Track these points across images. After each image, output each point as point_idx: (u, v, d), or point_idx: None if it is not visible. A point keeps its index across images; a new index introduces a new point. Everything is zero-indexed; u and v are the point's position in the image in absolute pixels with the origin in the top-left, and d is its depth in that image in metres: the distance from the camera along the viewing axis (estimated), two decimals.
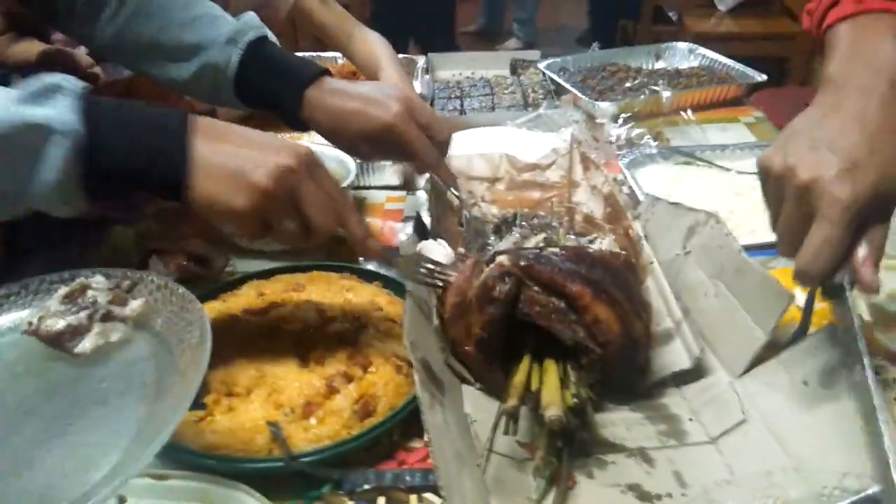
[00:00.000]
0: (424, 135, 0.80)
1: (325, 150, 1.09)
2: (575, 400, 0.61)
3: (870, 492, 0.52)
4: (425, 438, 0.67)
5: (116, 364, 0.59)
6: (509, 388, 0.61)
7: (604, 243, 0.78)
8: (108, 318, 0.60)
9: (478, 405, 0.68)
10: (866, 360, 0.59)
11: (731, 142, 1.20)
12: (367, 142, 0.79)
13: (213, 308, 0.77)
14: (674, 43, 1.59)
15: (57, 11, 0.85)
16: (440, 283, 0.70)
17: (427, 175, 1.00)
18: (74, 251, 0.94)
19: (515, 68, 1.55)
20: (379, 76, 1.05)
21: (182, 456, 0.62)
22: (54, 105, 0.55)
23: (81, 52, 1.25)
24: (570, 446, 0.61)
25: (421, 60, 1.53)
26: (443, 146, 0.84)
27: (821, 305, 0.74)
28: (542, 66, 1.49)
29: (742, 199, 1.01)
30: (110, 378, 0.57)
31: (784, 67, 3.12)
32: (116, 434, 0.51)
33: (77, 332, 0.58)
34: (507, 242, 0.79)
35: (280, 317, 0.73)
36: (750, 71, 1.43)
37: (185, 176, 0.59)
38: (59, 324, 0.58)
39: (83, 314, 0.59)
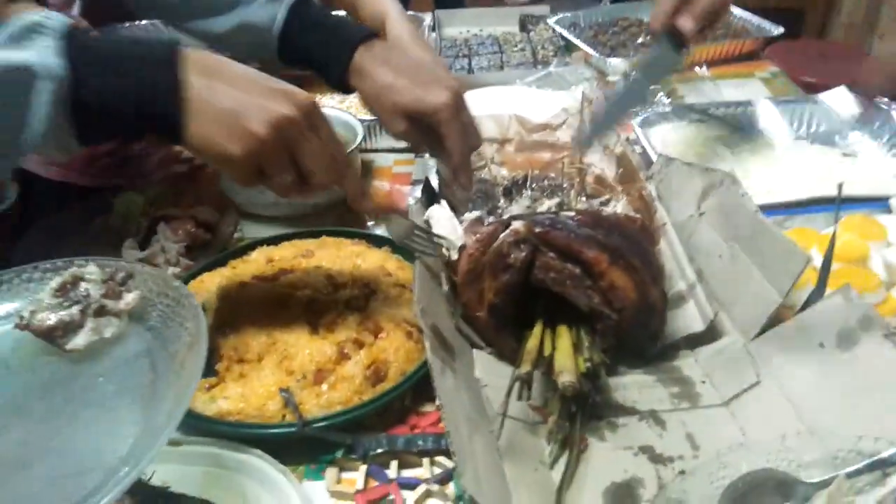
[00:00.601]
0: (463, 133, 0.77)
1: (332, 112, 1.07)
2: (588, 365, 0.60)
3: (885, 454, 0.52)
4: (437, 403, 0.67)
5: (111, 361, 0.56)
6: (522, 354, 0.61)
7: (618, 206, 0.77)
8: (101, 312, 0.58)
9: (488, 369, 0.68)
10: (884, 325, 0.59)
11: (746, 98, 1.17)
12: (407, 120, 0.75)
13: (223, 274, 0.76)
14: None
15: None
16: (430, 252, 0.69)
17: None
18: (83, 217, 0.93)
19: (525, 24, 1.52)
20: (386, 33, 1.02)
21: (195, 422, 0.62)
22: (36, 46, 0.53)
23: (77, 17, 1.23)
24: (582, 410, 0.61)
25: (427, 18, 1.49)
26: (472, 151, 0.81)
27: (837, 266, 0.73)
28: (551, 21, 1.46)
29: (757, 157, 0.99)
30: (105, 375, 0.55)
31: (799, 19, 3.04)
32: (113, 437, 0.48)
33: (70, 327, 0.56)
34: (519, 206, 0.78)
35: (290, 283, 0.73)
36: (766, 24, 1.39)
37: (178, 114, 0.56)
38: (52, 318, 0.56)
39: (76, 309, 0.57)
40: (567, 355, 0.60)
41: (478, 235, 0.66)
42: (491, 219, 0.75)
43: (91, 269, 0.60)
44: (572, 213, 0.69)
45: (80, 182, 1.00)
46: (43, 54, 0.52)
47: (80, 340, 0.56)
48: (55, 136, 0.54)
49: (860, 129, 1.07)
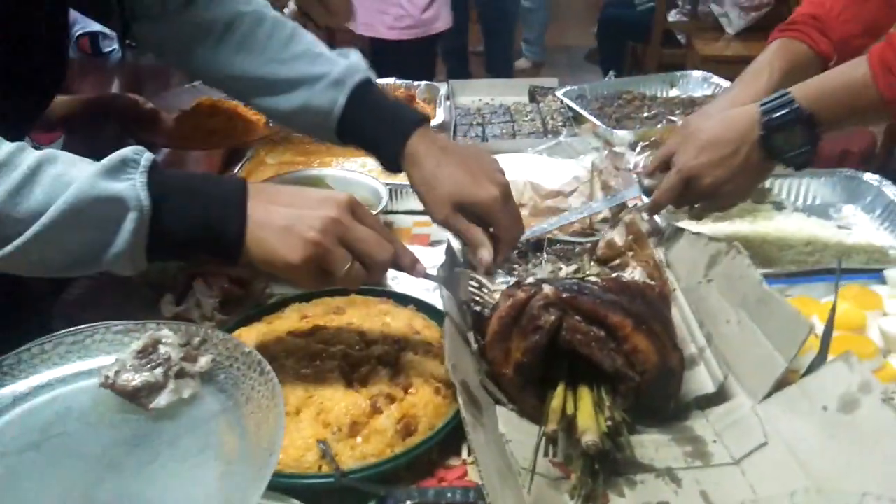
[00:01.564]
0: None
1: (357, 177, 1.14)
2: (609, 423, 0.64)
3: None
4: (464, 457, 0.71)
5: (188, 420, 0.61)
6: (548, 413, 0.65)
7: (636, 273, 0.82)
8: (180, 374, 0.62)
9: (511, 425, 0.72)
10: (882, 390, 0.64)
11: None
12: (455, 207, 0.81)
13: (259, 330, 0.81)
14: (688, 71, 1.64)
15: (155, 41, 0.90)
16: (488, 300, 0.74)
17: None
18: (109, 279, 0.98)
19: (534, 95, 1.60)
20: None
21: None
22: (130, 180, 0.61)
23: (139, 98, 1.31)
24: (604, 467, 0.65)
25: (443, 88, 1.58)
26: (517, 240, 0.87)
27: (837, 334, 0.78)
28: (559, 93, 1.54)
29: (758, 228, 1.05)
30: (184, 434, 0.59)
31: None
32: (198, 494, 0.53)
33: (154, 388, 0.61)
34: (541, 271, 0.83)
35: (324, 339, 0.77)
36: (764, 98, 1.47)
37: (243, 240, 0.64)
38: (137, 380, 0.61)
39: (159, 371, 0.61)
40: (589, 415, 0.64)
41: (511, 300, 0.71)
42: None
43: (167, 333, 0.65)
44: (596, 279, 0.74)
45: None
46: (134, 187, 0.61)
47: (162, 400, 0.61)
48: (131, 257, 0.62)
49: (853, 203, 1.14)
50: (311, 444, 0.66)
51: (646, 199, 0.98)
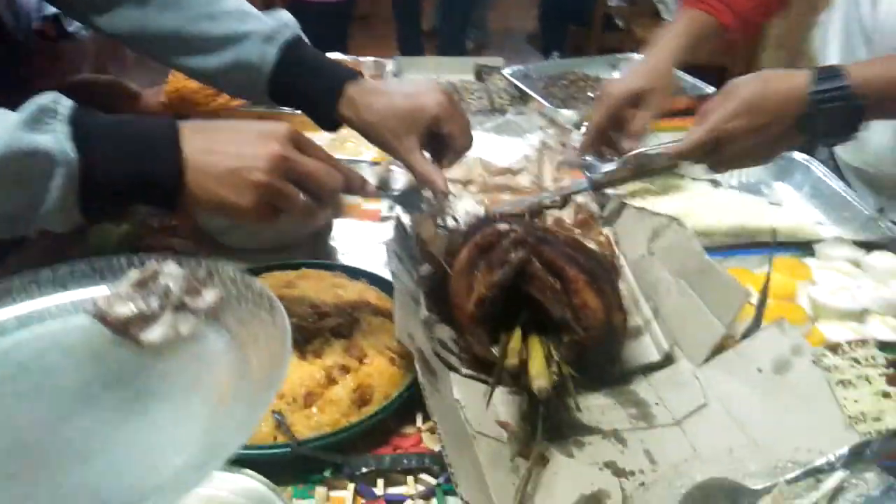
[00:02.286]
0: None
1: None
2: (556, 377, 0.66)
3: (817, 463, 0.60)
4: (418, 424, 0.72)
5: (185, 359, 0.55)
6: (507, 350, 0.68)
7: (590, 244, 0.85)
8: (180, 308, 0.57)
9: (465, 392, 0.73)
10: (811, 352, 0.68)
11: None
12: (409, 132, 0.82)
13: None
14: (629, 54, 1.68)
15: (79, 5, 0.86)
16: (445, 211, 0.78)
17: (402, 179, 1.05)
18: (56, 250, 0.95)
19: (480, 74, 1.61)
20: None
21: None
22: (52, 131, 0.58)
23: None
24: (544, 420, 0.67)
25: (390, 63, 1.57)
26: (461, 154, 0.88)
27: (770, 302, 0.82)
28: (506, 72, 1.56)
29: (694, 202, 1.10)
30: (178, 373, 0.54)
31: (723, 75, 3.29)
32: (179, 437, 0.48)
33: (146, 319, 0.55)
34: None
35: None
36: (700, 83, 1.53)
37: (181, 185, 0.62)
38: (129, 308, 0.55)
39: (154, 301, 0.56)
40: (541, 364, 0.67)
41: (486, 230, 0.73)
42: None
43: (170, 267, 0.59)
44: (561, 234, 0.76)
45: None
46: (58, 140, 0.58)
47: (155, 334, 0.55)
48: (64, 213, 0.60)
49: (784, 181, 1.20)
50: (265, 416, 0.66)
51: (592, 193, 1.01)
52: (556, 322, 0.71)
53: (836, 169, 1.23)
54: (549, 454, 0.68)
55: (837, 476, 0.59)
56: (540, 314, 0.72)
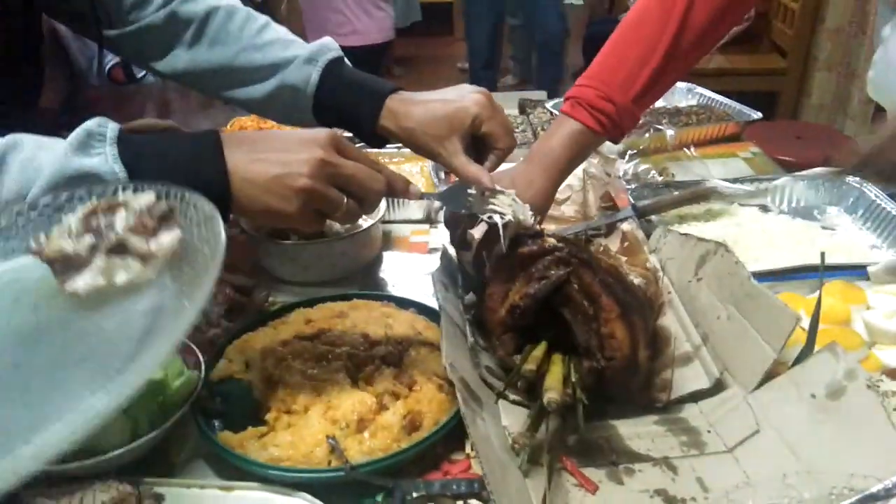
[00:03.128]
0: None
1: None
2: (568, 398, 0.68)
3: (874, 489, 0.58)
4: (467, 451, 0.73)
5: (114, 316, 0.44)
6: (528, 357, 0.70)
7: (632, 277, 0.85)
8: (119, 250, 0.45)
9: (512, 418, 0.74)
10: (866, 377, 0.67)
11: (730, 175, 1.27)
12: (450, 134, 0.83)
13: (266, 334, 0.83)
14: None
15: (132, 47, 0.92)
16: (497, 209, 0.77)
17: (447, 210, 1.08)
18: None
19: (524, 108, 1.64)
20: None
21: (248, 468, 0.68)
22: (100, 153, 0.62)
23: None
24: (554, 433, 0.69)
25: None
26: (505, 154, 0.89)
27: (823, 327, 0.81)
28: (549, 105, 1.58)
29: (743, 229, 1.09)
30: (98, 335, 0.43)
31: (773, 101, 3.25)
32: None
33: (71, 263, 0.44)
34: None
35: (329, 341, 0.80)
36: (746, 109, 1.52)
37: (228, 192, 0.64)
38: (58, 248, 0.45)
39: (87, 238, 0.45)
40: (557, 379, 0.68)
41: (534, 245, 0.75)
42: None
43: (146, 197, 0.48)
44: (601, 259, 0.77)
45: None
46: (106, 161, 0.62)
47: (80, 283, 0.44)
48: None
49: (836, 205, 1.18)
50: (320, 441, 0.69)
51: (635, 221, 1.01)
52: (581, 347, 0.72)
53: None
54: (601, 482, 0.68)
55: (894, 503, 0.57)
56: (568, 336, 0.73)
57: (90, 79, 1.26)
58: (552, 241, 0.76)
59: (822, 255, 0.82)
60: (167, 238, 0.47)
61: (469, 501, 0.67)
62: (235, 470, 0.69)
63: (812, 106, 3.22)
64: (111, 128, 0.64)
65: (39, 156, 0.61)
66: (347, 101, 0.88)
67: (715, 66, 3.33)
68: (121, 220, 0.47)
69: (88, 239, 0.46)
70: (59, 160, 0.61)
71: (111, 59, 1.25)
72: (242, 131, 0.69)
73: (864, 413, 0.66)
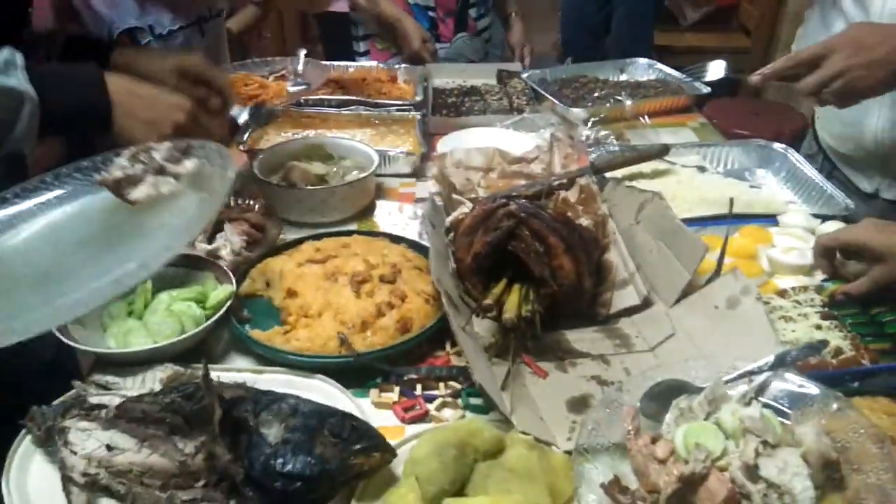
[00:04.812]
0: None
1: (352, 144, 1.33)
2: (528, 313, 0.87)
3: (749, 367, 0.79)
4: (447, 349, 0.93)
5: (164, 214, 0.76)
6: (488, 294, 0.90)
7: (583, 221, 1.04)
8: (161, 171, 0.74)
9: (482, 326, 0.94)
10: (756, 292, 0.87)
11: (680, 142, 1.46)
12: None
13: (283, 259, 1.01)
14: (636, 59, 1.86)
15: None
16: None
17: (436, 164, 1.26)
18: None
19: (501, 78, 1.81)
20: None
21: (274, 356, 0.87)
22: (16, 76, 0.81)
23: None
24: (517, 341, 0.89)
25: (418, 70, 1.78)
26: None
27: (734, 260, 1.01)
28: (524, 76, 1.76)
29: (682, 185, 1.28)
30: (153, 219, 0.76)
31: (738, 79, 3.44)
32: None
33: (131, 180, 0.73)
34: None
35: (336, 265, 0.98)
36: (697, 84, 1.70)
37: (110, 120, 0.86)
38: (118, 172, 0.74)
39: (139, 166, 0.75)
40: (514, 303, 0.88)
41: (484, 206, 0.94)
42: None
43: (165, 145, 0.78)
44: (551, 210, 0.96)
45: None
46: (22, 82, 0.81)
47: (139, 193, 0.74)
48: (28, 139, 0.83)
49: (764, 168, 1.38)
50: (332, 336, 0.87)
51: (594, 177, 1.19)
52: (537, 277, 0.91)
53: (826, 158, 1.39)
54: (550, 371, 0.88)
55: (763, 376, 0.78)
56: (527, 272, 0.92)
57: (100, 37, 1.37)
58: (501, 201, 0.95)
59: (731, 200, 1.02)
60: (190, 163, 0.77)
61: (449, 382, 0.87)
62: (263, 361, 0.88)
63: (773, 84, 3.42)
64: (19, 56, 0.83)
65: None
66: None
67: (685, 45, 3.52)
68: (157, 153, 0.76)
69: (140, 166, 0.74)
70: None
71: (116, 27, 1.35)
72: (124, 78, 0.92)
73: (752, 318, 0.87)
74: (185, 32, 1.30)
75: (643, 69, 1.84)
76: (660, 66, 1.82)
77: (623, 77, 1.83)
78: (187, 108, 0.92)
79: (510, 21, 2.11)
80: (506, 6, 2.13)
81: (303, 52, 1.57)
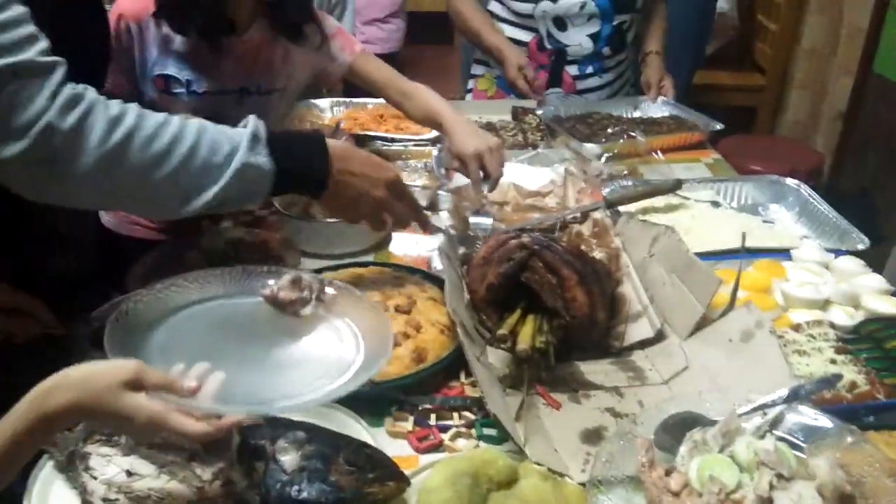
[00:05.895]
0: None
1: None
2: (542, 344, 0.88)
3: (763, 400, 0.79)
4: (462, 380, 0.93)
5: (322, 326, 0.88)
6: (503, 324, 0.91)
7: (597, 254, 1.06)
8: (318, 297, 0.89)
9: (497, 358, 0.95)
10: (770, 325, 0.88)
11: (692, 177, 1.48)
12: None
13: None
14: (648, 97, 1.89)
15: None
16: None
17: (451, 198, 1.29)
18: (176, 252, 1.20)
19: (516, 114, 1.85)
20: (442, 127, 1.33)
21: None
22: (262, 152, 0.86)
23: None
24: (530, 372, 0.90)
25: None
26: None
27: (747, 294, 1.02)
28: (539, 112, 1.79)
29: (696, 220, 1.29)
30: (318, 332, 0.88)
31: (753, 116, 3.47)
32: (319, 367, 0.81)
33: (303, 302, 0.88)
34: None
35: None
36: (710, 121, 1.72)
37: (325, 189, 0.92)
38: (293, 295, 0.88)
39: (306, 292, 0.89)
40: (528, 334, 0.89)
41: (497, 238, 0.97)
42: None
43: (306, 275, 0.92)
44: (564, 243, 0.97)
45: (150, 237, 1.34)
46: (268, 158, 0.86)
47: (307, 310, 0.88)
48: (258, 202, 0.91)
49: (777, 203, 1.39)
50: None
51: (607, 211, 1.21)
52: (550, 309, 0.92)
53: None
54: (563, 403, 0.89)
55: (778, 409, 0.78)
56: (541, 304, 0.93)
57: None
58: (513, 233, 0.98)
59: (744, 234, 1.03)
60: (330, 292, 0.91)
61: (463, 413, 0.88)
62: None
63: (787, 121, 3.44)
64: (262, 128, 0.87)
65: (223, 145, 0.83)
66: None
67: (700, 82, 3.56)
68: (314, 283, 0.91)
69: (306, 292, 0.89)
70: (244, 153, 0.84)
71: (157, 69, 1.38)
72: (342, 147, 0.97)
73: (766, 351, 0.87)
74: (221, 98, 1.29)
75: (656, 106, 1.86)
76: (673, 103, 1.85)
77: (637, 113, 1.85)
78: (397, 174, 0.98)
79: (647, 59, 1.94)
80: (647, 44, 1.96)
81: None
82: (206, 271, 0.93)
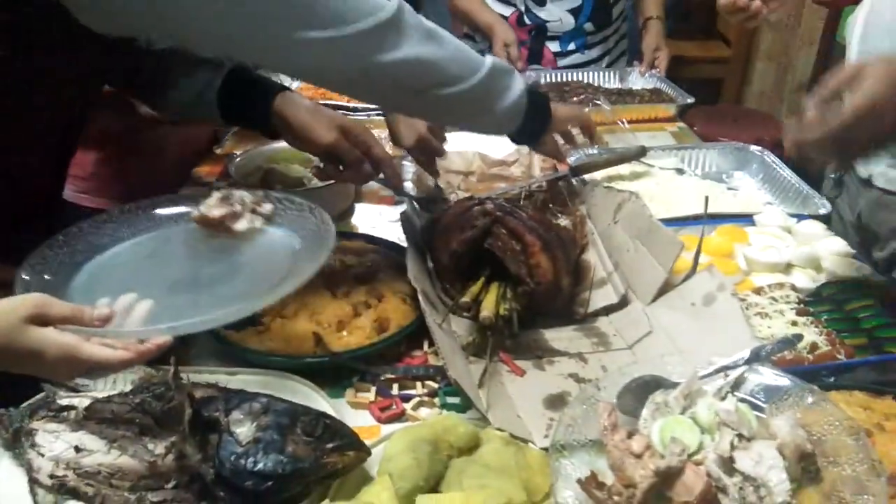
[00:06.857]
0: (359, 152, 1.06)
1: None
2: (505, 311, 0.87)
3: (724, 362, 0.78)
4: (424, 348, 0.92)
5: (262, 241, 0.86)
6: (466, 292, 0.90)
7: (563, 221, 1.04)
8: (253, 211, 0.86)
9: (461, 326, 0.93)
10: (732, 288, 0.88)
11: (656, 145, 1.47)
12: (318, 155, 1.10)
13: None
14: (635, 67, 1.87)
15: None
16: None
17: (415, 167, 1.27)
18: None
19: None
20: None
21: (249, 357, 0.85)
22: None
23: None
24: (494, 339, 0.89)
25: None
26: (382, 159, 1.09)
27: (710, 258, 1.01)
28: None
29: (660, 187, 1.29)
30: (259, 247, 0.86)
31: (719, 87, 3.49)
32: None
33: (235, 216, 0.86)
34: None
35: None
36: (683, 93, 1.71)
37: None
38: (220, 211, 0.85)
39: (237, 206, 0.86)
40: (492, 301, 0.88)
41: (461, 204, 0.95)
42: None
43: (238, 190, 0.89)
44: (529, 209, 0.96)
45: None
46: None
47: (241, 225, 0.86)
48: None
49: (741, 170, 1.39)
50: (308, 336, 0.86)
51: (573, 179, 1.20)
52: (514, 276, 0.91)
53: None
54: (527, 370, 0.88)
55: (739, 370, 0.78)
56: (504, 271, 0.92)
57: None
58: (476, 201, 0.96)
59: (706, 199, 1.02)
60: (267, 206, 0.89)
61: (426, 382, 0.86)
62: (237, 362, 0.87)
63: (753, 93, 3.46)
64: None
65: None
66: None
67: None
68: (247, 197, 0.88)
69: (237, 206, 0.86)
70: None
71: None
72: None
73: (728, 314, 0.87)
74: None
75: (644, 79, 1.83)
76: (656, 74, 1.82)
77: (615, 84, 1.83)
78: (352, 122, 1.03)
79: (647, 25, 1.90)
80: (645, 9, 1.93)
81: None
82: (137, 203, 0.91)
